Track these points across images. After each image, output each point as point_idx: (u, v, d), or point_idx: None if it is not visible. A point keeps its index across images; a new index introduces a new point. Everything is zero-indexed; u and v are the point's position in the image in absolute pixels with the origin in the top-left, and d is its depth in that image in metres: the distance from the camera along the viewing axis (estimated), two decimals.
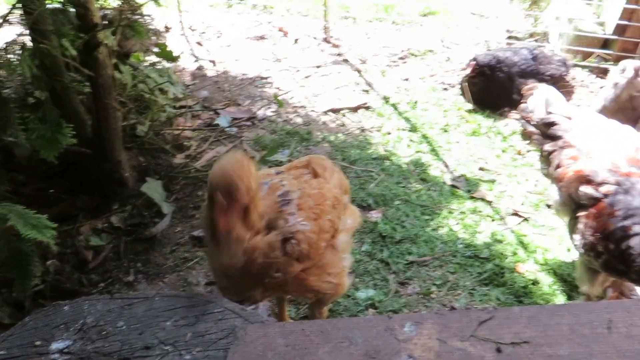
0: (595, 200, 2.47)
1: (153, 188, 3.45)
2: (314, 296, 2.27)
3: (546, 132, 2.85)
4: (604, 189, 2.46)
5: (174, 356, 1.59)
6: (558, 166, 2.72)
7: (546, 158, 2.85)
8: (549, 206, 3.55)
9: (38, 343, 1.63)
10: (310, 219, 2.08)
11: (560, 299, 2.94)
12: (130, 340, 1.65)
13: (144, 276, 3.15)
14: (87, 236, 3.34)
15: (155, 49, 4.03)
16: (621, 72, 3.76)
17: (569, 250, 3.22)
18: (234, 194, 1.84)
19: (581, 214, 2.55)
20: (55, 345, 1.65)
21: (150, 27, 3.92)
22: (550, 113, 2.89)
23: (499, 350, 1.36)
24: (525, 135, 3.06)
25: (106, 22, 3.36)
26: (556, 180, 2.74)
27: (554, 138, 2.80)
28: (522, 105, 3.06)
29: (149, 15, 3.87)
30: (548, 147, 2.82)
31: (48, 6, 2.90)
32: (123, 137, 3.56)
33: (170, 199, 3.62)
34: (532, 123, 2.98)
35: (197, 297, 1.84)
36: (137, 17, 3.74)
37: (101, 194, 3.58)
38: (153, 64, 4.25)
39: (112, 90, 3.31)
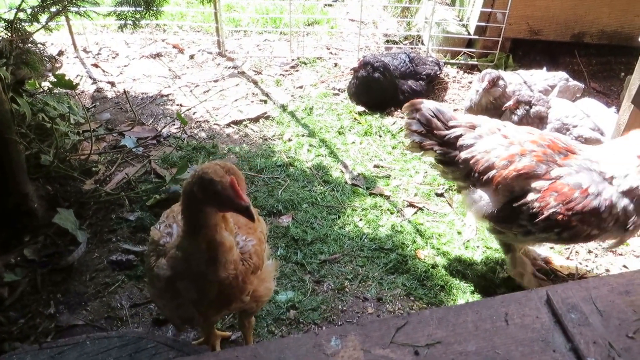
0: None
1: (65, 218, 3.20)
2: (256, 305, 2.26)
3: (455, 143, 2.77)
4: (554, 173, 2.53)
5: None
6: (487, 169, 2.66)
7: (455, 165, 2.79)
8: (438, 195, 3.74)
9: None
10: (250, 234, 2.10)
11: (456, 279, 3.10)
12: None
13: (65, 307, 2.92)
14: (0, 272, 3.04)
15: (52, 78, 3.71)
16: (480, 82, 3.99)
17: (459, 233, 3.42)
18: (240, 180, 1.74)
19: (532, 197, 2.56)
20: None
21: (45, 54, 3.62)
22: (452, 127, 2.81)
23: (416, 353, 1.39)
24: (417, 148, 2.93)
25: None
26: (489, 182, 2.66)
27: (466, 147, 2.74)
28: (409, 121, 2.92)
29: (41, 43, 3.56)
30: (465, 154, 2.73)
31: None
32: (27, 167, 3.27)
33: (83, 225, 3.37)
34: (432, 138, 2.86)
35: (128, 334, 1.74)
36: (28, 45, 3.44)
37: (10, 228, 3.26)
38: (50, 90, 3.92)
39: (11, 124, 3.03)
